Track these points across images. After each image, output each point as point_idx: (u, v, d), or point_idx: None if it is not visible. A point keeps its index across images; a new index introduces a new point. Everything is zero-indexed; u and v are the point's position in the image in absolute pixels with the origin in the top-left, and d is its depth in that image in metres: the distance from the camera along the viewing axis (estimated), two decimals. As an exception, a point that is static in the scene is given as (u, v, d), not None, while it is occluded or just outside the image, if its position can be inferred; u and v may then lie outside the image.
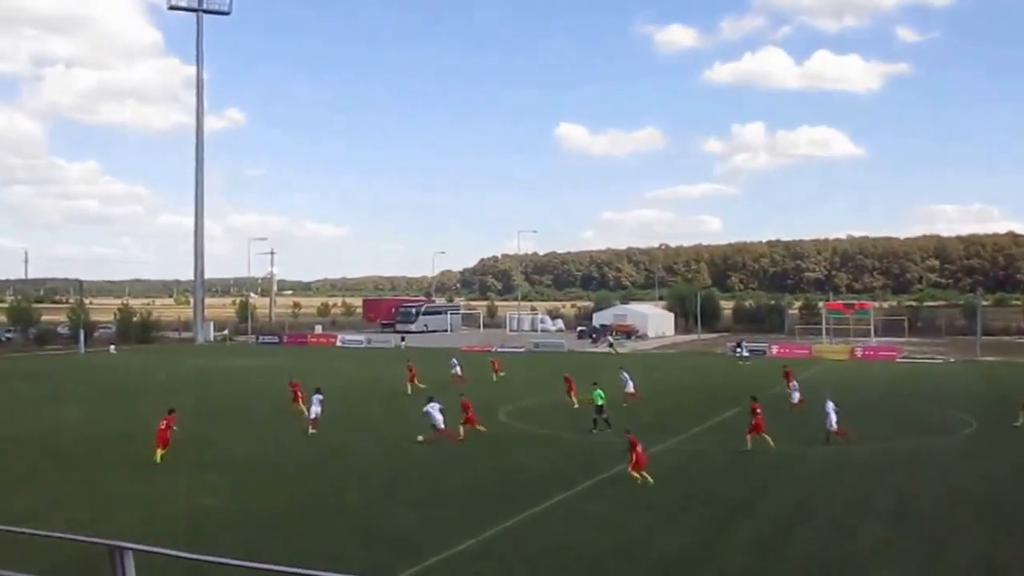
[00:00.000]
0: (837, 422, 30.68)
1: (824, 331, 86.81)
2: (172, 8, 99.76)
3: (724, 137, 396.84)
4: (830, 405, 31.14)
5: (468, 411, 32.29)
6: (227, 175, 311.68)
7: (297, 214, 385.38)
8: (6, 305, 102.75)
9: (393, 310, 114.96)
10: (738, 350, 71.22)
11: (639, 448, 24.50)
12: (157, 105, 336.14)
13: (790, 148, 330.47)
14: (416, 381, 46.68)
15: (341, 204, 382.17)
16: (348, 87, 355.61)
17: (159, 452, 27.34)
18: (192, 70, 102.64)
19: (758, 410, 30.27)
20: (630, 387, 41.53)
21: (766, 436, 29.59)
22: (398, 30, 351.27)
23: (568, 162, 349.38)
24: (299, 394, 38.05)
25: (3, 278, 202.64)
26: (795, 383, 41.29)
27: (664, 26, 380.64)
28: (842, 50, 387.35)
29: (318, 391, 34.17)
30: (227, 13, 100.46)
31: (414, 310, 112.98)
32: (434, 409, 31.19)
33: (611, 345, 78.12)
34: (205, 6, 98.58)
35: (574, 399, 39.90)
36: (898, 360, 69.04)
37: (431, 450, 29.73)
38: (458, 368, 50.10)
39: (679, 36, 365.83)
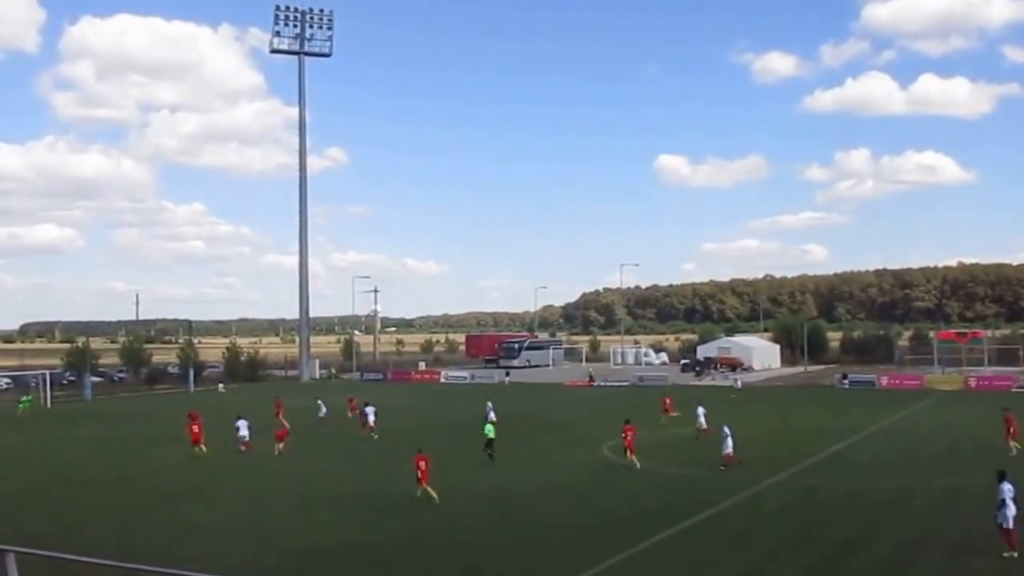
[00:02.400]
0: (733, 447, 32.32)
1: (936, 361, 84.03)
2: (274, 52, 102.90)
3: (827, 164, 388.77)
4: (726, 430, 32.80)
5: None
6: (329, 214, 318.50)
7: (399, 252, 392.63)
8: (118, 346, 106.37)
9: (496, 346, 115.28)
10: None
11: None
12: (259, 147, 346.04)
13: (896, 174, 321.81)
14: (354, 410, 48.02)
15: (442, 241, 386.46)
16: (447, 125, 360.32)
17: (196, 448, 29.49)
18: (292, 111, 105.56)
19: (628, 433, 33.23)
20: (702, 423, 40.78)
21: (632, 456, 32.56)
22: (495, 66, 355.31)
23: (668, 193, 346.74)
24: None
25: (115, 319, 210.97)
26: (701, 409, 41.49)
27: (763, 54, 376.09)
28: (948, 73, 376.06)
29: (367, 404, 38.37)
30: (328, 55, 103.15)
31: (517, 345, 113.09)
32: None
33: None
34: (307, 49, 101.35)
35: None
36: (1014, 390, 66.15)
37: (536, 487, 29.58)
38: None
39: (778, 64, 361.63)
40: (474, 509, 26.37)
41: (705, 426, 40.57)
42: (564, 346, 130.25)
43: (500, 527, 23.94)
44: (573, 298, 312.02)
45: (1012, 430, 34.59)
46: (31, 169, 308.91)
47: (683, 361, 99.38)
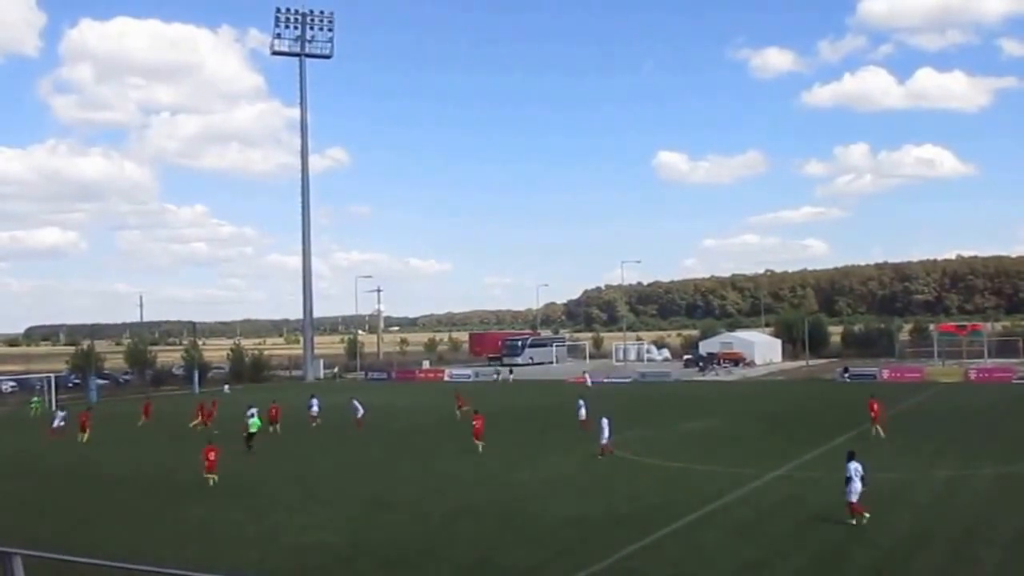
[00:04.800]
0: (609, 438, 34.31)
1: (936, 353, 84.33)
2: (275, 53, 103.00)
3: (826, 159, 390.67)
4: (604, 422, 34.41)
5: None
6: (332, 214, 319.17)
7: (401, 251, 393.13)
8: (123, 348, 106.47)
9: (499, 343, 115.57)
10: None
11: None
12: (260, 148, 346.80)
13: (895, 168, 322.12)
14: (464, 407, 49.03)
15: (445, 240, 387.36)
16: (448, 125, 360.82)
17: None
18: (293, 112, 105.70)
19: (476, 422, 37.17)
20: (583, 414, 42.67)
21: (479, 443, 36.14)
22: (494, 66, 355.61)
23: (668, 190, 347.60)
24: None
25: (120, 321, 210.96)
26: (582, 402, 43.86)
27: (760, 49, 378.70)
28: (945, 66, 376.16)
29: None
30: (328, 57, 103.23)
31: (520, 343, 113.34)
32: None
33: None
34: (307, 51, 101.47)
35: None
36: (1013, 381, 66.22)
37: (541, 481, 29.74)
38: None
39: (776, 59, 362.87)
40: (480, 505, 26.46)
41: (584, 418, 42.13)
42: (567, 343, 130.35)
43: (506, 522, 24.03)
44: (575, 295, 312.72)
45: (875, 416, 37.86)
46: (33, 172, 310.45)
47: (686, 357, 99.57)
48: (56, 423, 47.09)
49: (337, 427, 47.51)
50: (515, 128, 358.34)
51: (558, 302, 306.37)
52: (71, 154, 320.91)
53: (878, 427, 37.49)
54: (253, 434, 39.70)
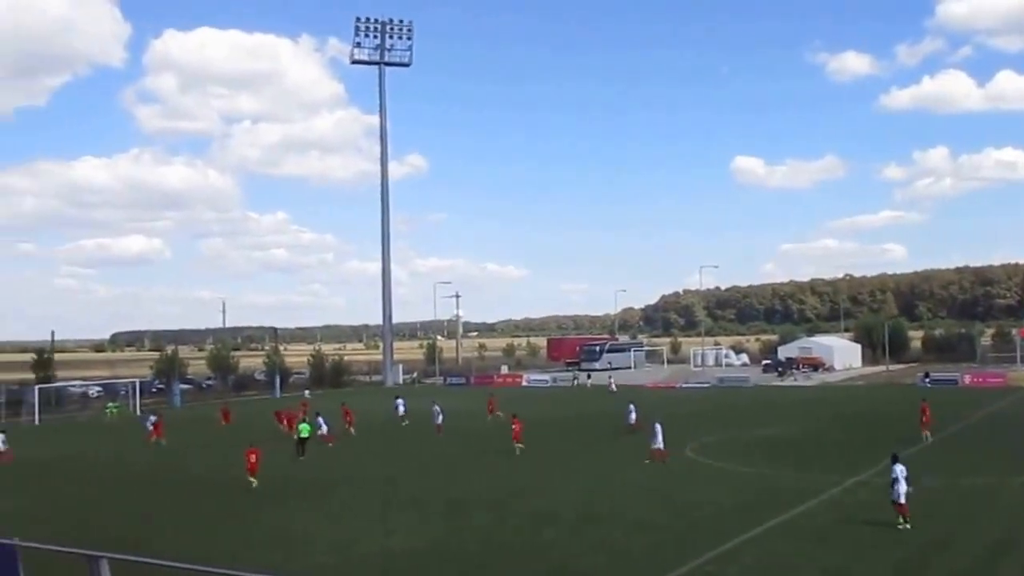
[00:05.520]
0: (663, 443, 34.22)
1: (1019, 359, 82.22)
2: (355, 62, 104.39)
3: (905, 163, 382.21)
4: (657, 427, 34.44)
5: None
6: (411, 221, 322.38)
7: (479, 257, 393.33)
8: (206, 353, 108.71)
9: (577, 349, 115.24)
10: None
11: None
12: (340, 155, 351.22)
13: (975, 171, 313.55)
14: (497, 412, 50.52)
15: (522, 246, 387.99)
16: (526, 131, 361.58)
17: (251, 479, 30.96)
18: (372, 119, 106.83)
19: (515, 426, 38.41)
20: (632, 418, 43.36)
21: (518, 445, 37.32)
22: (573, 72, 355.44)
23: (745, 194, 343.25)
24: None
25: (203, 327, 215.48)
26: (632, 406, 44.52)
27: (838, 54, 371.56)
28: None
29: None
30: (407, 65, 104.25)
31: (598, 348, 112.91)
32: None
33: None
34: (387, 59, 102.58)
35: None
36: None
37: (617, 487, 29.55)
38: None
39: (854, 63, 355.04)
40: (558, 509, 26.33)
41: (634, 422, 42.61)
42: (645, 348, 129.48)
43: (584, 527, 23.88)
44: (653, 300, 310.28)
45: (925, 420, 38.26)
46: (118, 181, 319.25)
47: (764, 362, 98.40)
48: (150, 426, 48.33)
49: (416, 431, 47.93)
50: (592, 134, 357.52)
51: (636, 307, 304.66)
52: (155, 163, 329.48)
53: (927, 432, 37.75)
54: (305, 439, 39.81)
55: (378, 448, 42.36)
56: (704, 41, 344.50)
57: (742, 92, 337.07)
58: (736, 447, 38.65)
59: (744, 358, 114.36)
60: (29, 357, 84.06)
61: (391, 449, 42.01)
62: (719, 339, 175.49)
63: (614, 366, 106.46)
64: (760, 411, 54.48)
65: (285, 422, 48.84)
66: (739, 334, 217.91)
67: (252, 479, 31.34)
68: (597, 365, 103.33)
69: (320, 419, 43.32)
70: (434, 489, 30.73)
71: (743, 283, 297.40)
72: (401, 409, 52.46)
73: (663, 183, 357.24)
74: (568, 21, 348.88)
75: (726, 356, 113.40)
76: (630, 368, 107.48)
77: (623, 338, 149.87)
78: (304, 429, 40.35)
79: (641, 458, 34.47)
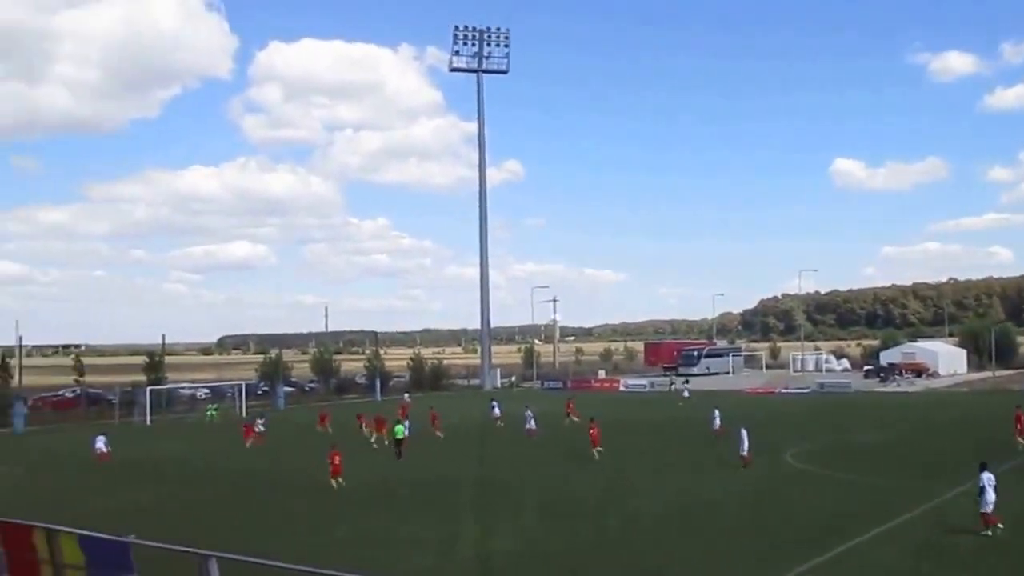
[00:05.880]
0: (749, 449, 33.68)
1: None
2: (453, 70, 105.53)
3: (1011, 164, 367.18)
4: (743, 432, 34.02)
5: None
6: (508, 226, 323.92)
7: (577, 261, 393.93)
8: (309, 357, 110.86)
9: (675, 353, 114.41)
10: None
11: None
12: (439, 161, 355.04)
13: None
14: (573, 416, 51.16)
15: (619, 250, 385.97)
16: (621, 136, 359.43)
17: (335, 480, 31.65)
18: (470, 126, 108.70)
19: (593, 430, 38.53)
20: (717, 423, 43.13)
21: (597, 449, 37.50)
22: (667, 78, 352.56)
23: (845, 197, 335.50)
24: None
25: (306, 331, 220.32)
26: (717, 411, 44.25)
27: (940, 53, 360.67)
28: None
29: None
30: (505, 72, 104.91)
31: (696, 353, 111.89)
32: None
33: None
34: (484, 67, 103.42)
35: None
36: None
37: (719, 493, 29.14)
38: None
39: (956, 63, 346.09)
40: (654, 513, 26.15)
41: (719, 427, 42.34)
42: (743, 353, 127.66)
43: (684, 533, 23.64)
44: (751, 304, 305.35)
45: (1021, 427, 37.13)
46: (225, 189, 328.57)
47: (866, 367, 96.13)
48: (257, 428, 49.61)
49: (509, 434, 48.17)
50: (688, 139, 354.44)
51: (734, 311, 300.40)
52: (260, 171, 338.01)
53: (1021, 440, 36.60)
54: (400, 440, 40.44)
55: (471, 451, 42.51)
56: (801, 41, 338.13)
57: (841, 94, 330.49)
58: (837, 453, 37.86)
59: (845, 363, 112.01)
60: (141, 360, 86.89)
61: (484, 452, 42.13)
62: (819, 344, 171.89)
63: (712, 371, 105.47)
64: (862, 417, 53.23)
65: (369, 424, 49.43)
66: (839, 339, 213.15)
67: (336, 480, 31.94)
68: (695, 370, 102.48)
69: (405, 423, 43.87)
70: (527, 491, 30.71)
71: (843, 287, 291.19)
72: (496, 411, 53.86)
73: (761, 187, 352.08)
74: (662, 26, 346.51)
75: (826, 361, 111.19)
76: (729, 373, 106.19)
77: (721, 343, 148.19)
78: (399, 431, 40.95)
79: (727, 463, 34.12)
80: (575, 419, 50.34)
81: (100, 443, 42.73)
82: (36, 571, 11.55)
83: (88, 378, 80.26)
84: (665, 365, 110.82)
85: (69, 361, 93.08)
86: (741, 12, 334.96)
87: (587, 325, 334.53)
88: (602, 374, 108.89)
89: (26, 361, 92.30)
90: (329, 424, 52.22)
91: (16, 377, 76.49)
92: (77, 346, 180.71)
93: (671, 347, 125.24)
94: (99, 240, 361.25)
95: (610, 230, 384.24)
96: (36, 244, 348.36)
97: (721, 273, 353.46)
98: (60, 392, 78.28)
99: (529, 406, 50.51)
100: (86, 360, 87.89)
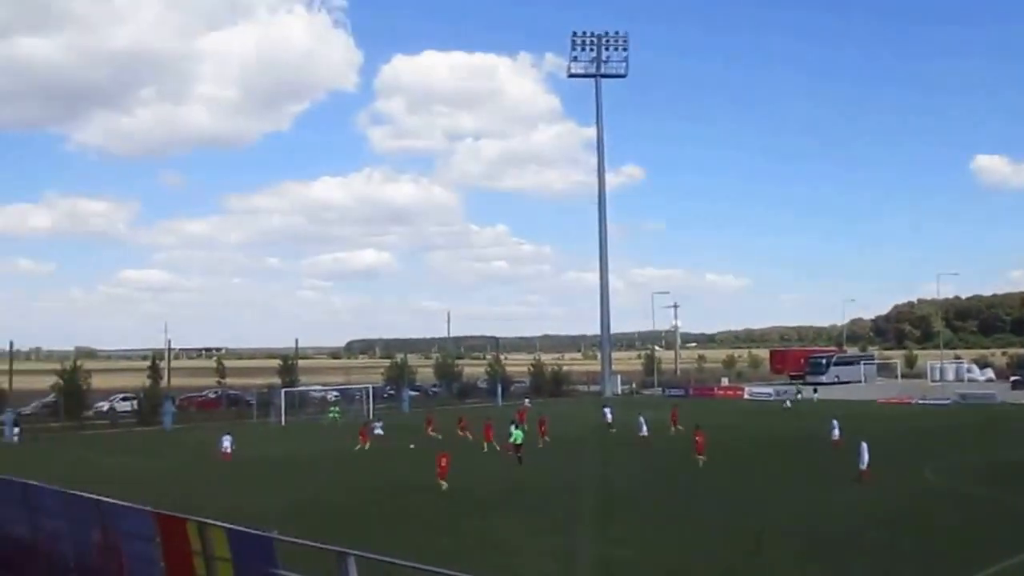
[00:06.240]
0: (868, 464, 32.79)
1: None
2: (572, 76, 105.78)
3: None
4: (863, 446, 33.16)
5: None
6: (627, 230, 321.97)
7: (697, 266, 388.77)
8: (432, 361, 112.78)
9: (802, 361, 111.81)
10: None
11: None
12: (557, 168, 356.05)
13: None
14: (678, 426, 50.62)
15: (742, 254, 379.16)
16: (743, 138, 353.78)
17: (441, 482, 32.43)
18: (588, 131, 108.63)
19: (699, 437, 38.76)
20: (836, 434, 42.52)
21: (699, 457, 37.66)
22: (789, 79, 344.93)
23: (987, 196, 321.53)
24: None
25: (429, 336, 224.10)
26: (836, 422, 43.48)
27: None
28: None
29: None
30: (623, 76, 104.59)
31: (824, 360, 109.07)
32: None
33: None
34: (603, 71, 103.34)
35: None
36: None
37: (852, 509, 28.43)
38: None
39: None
40: (785, 526, 25.69)
41: (838, 438, 41.55)
42: (876, 361, 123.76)
43: (815, 546, 23.16)
44: (884, 310, 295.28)
45: None
46: (352, 199, 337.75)
47: (1013, 378, 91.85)
48: (375, 431, 50.72)
49: (622, 441, 48.31)
50: (813, 139, 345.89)
51: (865, 317, 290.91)
52: (385, 181, 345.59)
53: None
54: (519, 445, 40.95)
55: (584, 456, 42.71)
56: (936, 35, 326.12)
57: (983, 85, 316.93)
58: (980, 470, 36.37)
59: (989, 373, 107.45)
60: (276, 363, 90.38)
61: (596, 458, 42.24)
62: (959, 352, 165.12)
63: (842, 380, 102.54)
64: (1008, 432, 51.00)
65: (467, 429, 50.45)
66: (983, 347, 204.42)
67: (442, 482, 32.81)
68: (824, 378, 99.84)
69: (513, 427, 44.17)
70: (643, 499, 30.80)
71: (986, 292, 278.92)
72: (608, 417, 54.55)
73: (895, 185, 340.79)
74: (783, 28, 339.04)
75: (968, 371, 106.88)
76: (860, 382, 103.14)
77: (852, 350, 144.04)
78: (517, 435, 41.45)
79: (878, 478, 33.08)
80: (679, 428, 50.15)
81: (226, 442, 44.78)
82: (188, 561, 12.23)
83: (228, 380, 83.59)
84: (792, 373, 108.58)
85: (211, 364, 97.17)
86: (869, 8, 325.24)
87: (709, 331, 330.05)
88: (725, 381, 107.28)
89: (173, 363, 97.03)
90: (436, 428, 53.03)
91: (165, 378, 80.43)
92: (218, 349, 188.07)
93: (798, 354, 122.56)
94: (237, 249, 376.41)
95: (732, 234, 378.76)
96: (181, 254, 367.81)
97: (851, 277, 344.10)
98: (204, 393, 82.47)
99: (642, 412, 50.42)
100: (226, 363, 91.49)
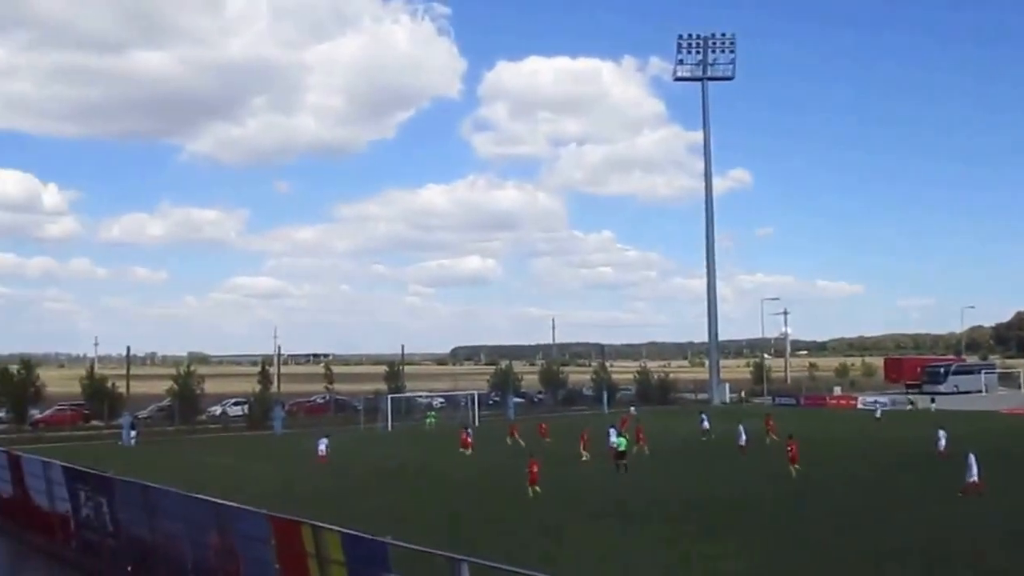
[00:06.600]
0: (977, 475, 31.43)
1: None
2: (678, 80, 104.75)
3: None
4: (972, 458, 31.80)
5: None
6: (735, 236, 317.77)
7: (808, 273, 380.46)
8: (537, 368, 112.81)
9: (919, 370, 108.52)
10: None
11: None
12: (662, 173, 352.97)
13: None
14: (772, 434, 49.98)
15: (854, 261, 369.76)
16: (853, 142, 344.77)
17: (532, 489, 32.76)
18: (693, 135, 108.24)
19: (792, 446, 38.23)
20: (942, 445, 41.63)
21: (793, 467, 37.22)
22: (904, 80, 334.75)
23: None
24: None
25: (534, 343, 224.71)
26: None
27: None
28: None
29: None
30: (730, 79, 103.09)
31: (943, 369, 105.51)
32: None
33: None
34: (709, 74, 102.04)
35: None
36: None
37: (958, 520, 27.28)
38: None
39: None
40: (894, 543, 24.58)
41: (943, 449, 40.78)
42: (998, 370, 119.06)
43: (936, 567, 22.04)
44: (1006, 318, 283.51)
45: None
46: (457, 205, 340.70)
47: None
48: (466, 436, 51.00)
49: (720, 450, 47.68)
50: (929, 139, 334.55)
51: (985, 325, 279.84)
52: (489, 187, 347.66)
53: None
54: (623, 452, 40.89)
55: (683, 466, 42.64)
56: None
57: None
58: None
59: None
60: (382, 369, 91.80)
61: (696, 467, 42.02)
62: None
63: (961, 389, 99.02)
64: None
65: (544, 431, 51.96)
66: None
67: (532, 488, 33.11)
68: (942, 388, 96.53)
69: (614, 434, 44.09)
70: (747, 509, 30.12)
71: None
72: (705, 425, 54.65)
73: (1019, 186, 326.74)
74: (898, 21, 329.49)
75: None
76: (981, 392, 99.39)
77: (971, 359, 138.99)
78: (621, 443, 41.51)
79: (1009, 494, 31.67)
80: (774, 437, 49.43)
81: (322, 445, 46.21)
82: (303, 563, 12.33)
83: (336, 385, 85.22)
84: (908, 382, 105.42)
85: (320, 369, 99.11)
86: (978, 12, 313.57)
87: (821, 339, 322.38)
88: (838, 391, 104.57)
89: (283, 369, 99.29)
90: (519, 435, 53.46)
91: (275, 383, 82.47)
92: (326, 355, 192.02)
93: (914, 363, 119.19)
94: (344, 256, 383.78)
95: (844, 239, 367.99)
96: (291, 261, 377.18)
97: (971, 283, 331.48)
98: (312, 398, 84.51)
99: (742, 421, 50.06)
100: (334, 369, 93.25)
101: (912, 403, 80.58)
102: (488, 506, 32.13)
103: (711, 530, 26.87)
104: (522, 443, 50.20)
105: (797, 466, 37.63)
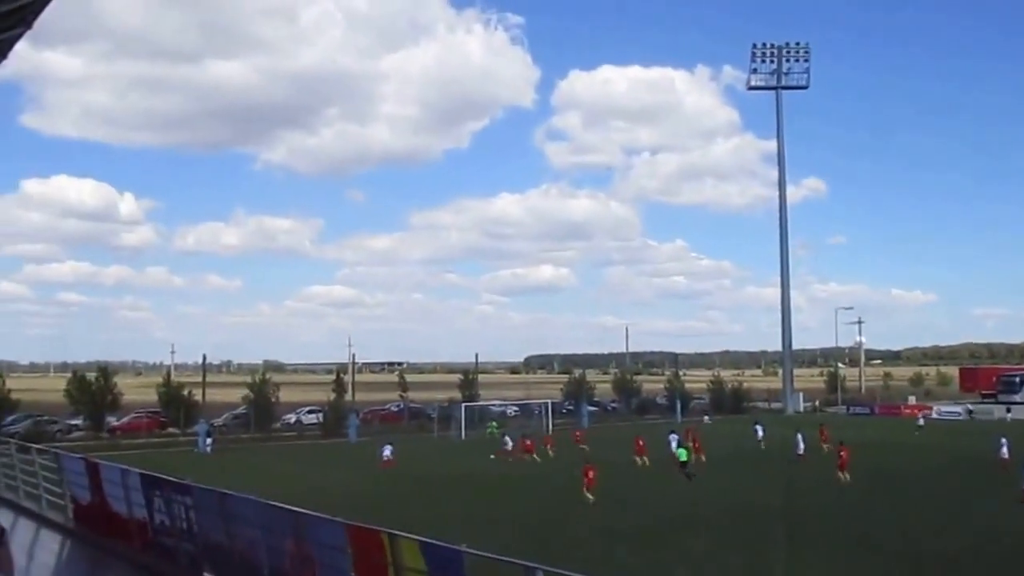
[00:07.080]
0: None
1: None
2: (752, 89, 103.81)
3: None
4: None
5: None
6: (809, 245, 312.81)
7: (882, 281, 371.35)
8: (610, 377, 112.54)
9: (994, 379, 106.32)
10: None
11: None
12: (736, 182, 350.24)
13: None
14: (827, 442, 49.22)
15: (929, 269, 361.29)
16: (927, 148, 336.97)
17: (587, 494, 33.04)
18: (767, 144, 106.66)
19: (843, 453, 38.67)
20: (1004, 452, 41.24)
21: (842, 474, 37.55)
22: (978, 84, 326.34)
23: None
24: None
25: (607, 352, 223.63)
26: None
27: None
28: None
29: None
30: (805, 87, 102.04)
31: (1019, 379, 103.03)
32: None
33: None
34: (783, 83, 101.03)
35: None
36: None
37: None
38: None
39: None
40: (956, 554, 24.24)
41: (1007, 457, 40.07)
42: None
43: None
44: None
45: None
46: (530, 214, 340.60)
47: None
48: (505, 447, 51.43)
49: (777, 459, 47.30)
50: (1006, 147, 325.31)
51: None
52: (562, 196, 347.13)
53: None
54: (685, 462, 41.01)
55: (744, 475, 42.59)
56: None
57: None
58: None
59: None
60: (456, 377, 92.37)
61: (758, 476, 41.92)
62: None
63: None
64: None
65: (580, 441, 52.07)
66: None
67: (588, 495, 33.34)
68: (1017, 397, 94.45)
69: (675, 443, 44.60)
70: (831, 523, 29.66)
71: None
72: (759, 434, 54.39)
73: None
74: (972, 34, 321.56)
75: None
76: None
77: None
78: (682, 453, 41.85)
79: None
80: (829, 446, 48.45)
81: (387, 451, 47.40)
82: (381, 572, 12.59)
83: (410, 394, 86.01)
84: (983, 392, 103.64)
85: (394, 378, 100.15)
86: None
87: (895, 348, 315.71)
88: (912, 400, 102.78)
89: (357, 377, 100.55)
90: (584, 442, 54.17)
91: (349, 391, 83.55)
92: (400, 364, 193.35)
93: (989, 372, 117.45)
94: (418, 265, 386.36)
95: (919, 248, 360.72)
96: (365, 270, 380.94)
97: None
98: (387, 406, 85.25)
99: (800, 430, 49.66)
100: (408, 377, 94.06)
101: (971, 412, 79.46)
102: (549, 511, 32.34)
103: (788, 540, 26.54)
104: (587, 449, 50.29)
105: (846, 473, 37.80)
